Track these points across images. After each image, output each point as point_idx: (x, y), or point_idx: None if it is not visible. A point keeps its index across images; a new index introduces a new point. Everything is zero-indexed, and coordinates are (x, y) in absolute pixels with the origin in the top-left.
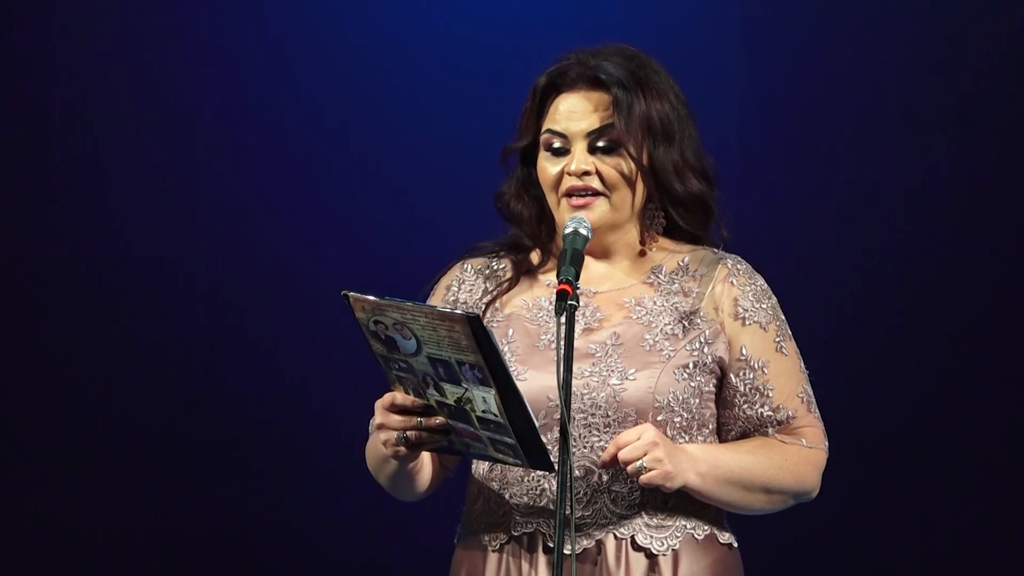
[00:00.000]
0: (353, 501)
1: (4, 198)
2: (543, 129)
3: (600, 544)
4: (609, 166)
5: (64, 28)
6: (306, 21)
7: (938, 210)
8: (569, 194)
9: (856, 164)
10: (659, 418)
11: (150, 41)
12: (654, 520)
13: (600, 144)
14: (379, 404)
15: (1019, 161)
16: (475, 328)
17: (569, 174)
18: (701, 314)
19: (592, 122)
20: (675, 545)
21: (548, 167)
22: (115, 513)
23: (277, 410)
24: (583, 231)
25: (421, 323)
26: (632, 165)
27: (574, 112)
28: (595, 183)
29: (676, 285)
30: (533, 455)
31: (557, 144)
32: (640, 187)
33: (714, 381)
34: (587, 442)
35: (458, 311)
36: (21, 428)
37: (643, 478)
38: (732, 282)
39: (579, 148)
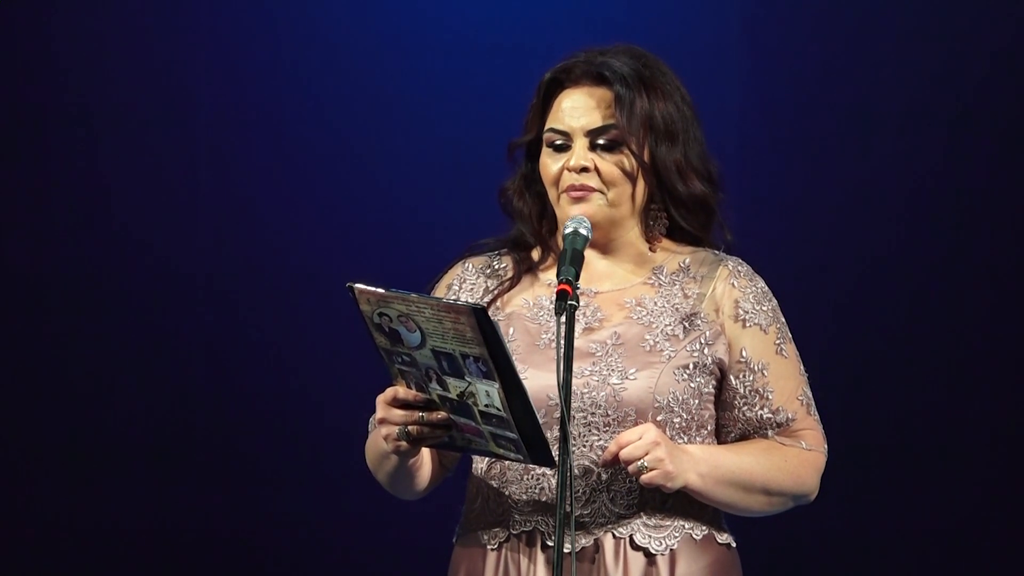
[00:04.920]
0: (353, 501)
1: (4, 198)
2: (546, 127)
3: (599, 543)
4: (609, 163)
5: (64, 28)
6: (306, 21)
7: (938, 210)
8: (568, 190)
9: (856, 164)
10: (659, 418)
11: (150, 40)
12: (653, 520)
13: (600, 141)
14: (380, 399)
15: (1019, 160)
16: (481, 320)
17: (568, 170)
18: (702, 315)
19: (593, 119)
20: (673, 545)
21: (549, 163)
22: (115, 513)
23: (277, 409)
24: (583, 231)
25: (426, 315)
26: (633, 162)
27: (576, 108)
28: (592, 181)
29: (677, 286)
30: (535, 450)
31: (559, 141)
32: (641, 185)
33: (714, 382)
34: (587, 441)
35: (464, 303)
36: (21, 428)
37: (644, 478)
38: (733, 284)
39: (579, 145)
